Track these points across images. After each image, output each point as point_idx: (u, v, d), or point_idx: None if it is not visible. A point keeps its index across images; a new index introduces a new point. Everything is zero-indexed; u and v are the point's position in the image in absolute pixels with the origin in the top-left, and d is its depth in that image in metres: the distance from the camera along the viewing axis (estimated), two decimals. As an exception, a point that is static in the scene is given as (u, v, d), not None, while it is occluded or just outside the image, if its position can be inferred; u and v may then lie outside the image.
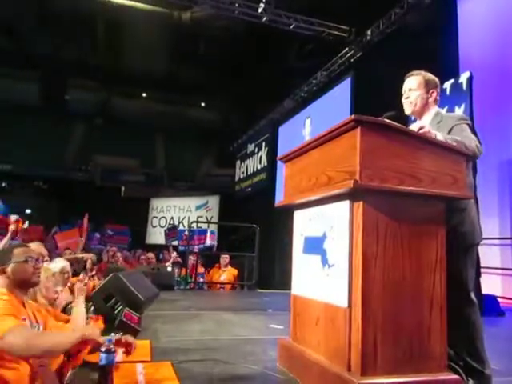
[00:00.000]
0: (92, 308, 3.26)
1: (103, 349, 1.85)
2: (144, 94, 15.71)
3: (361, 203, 1.76)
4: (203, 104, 16.12)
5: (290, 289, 2.45)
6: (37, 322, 2.03)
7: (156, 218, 16.73)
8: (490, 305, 4.82)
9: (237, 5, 8.76)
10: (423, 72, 2.30)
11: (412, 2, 7.47)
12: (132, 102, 15.57)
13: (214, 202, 15.98)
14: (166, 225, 15.60)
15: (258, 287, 7.44)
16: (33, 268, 2.05)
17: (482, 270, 4.99)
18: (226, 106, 15.12)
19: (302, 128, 10.63)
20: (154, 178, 16.86)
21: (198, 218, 14.77)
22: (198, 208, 16.22)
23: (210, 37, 11.81)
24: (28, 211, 13.05)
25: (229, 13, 9.00)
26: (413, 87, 2.27)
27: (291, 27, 9.16)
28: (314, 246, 2.13)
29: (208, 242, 8.69)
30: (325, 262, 2.01)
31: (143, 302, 3.08)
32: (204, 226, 10.27)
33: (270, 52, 11.27)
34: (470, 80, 5.36)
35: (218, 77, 13.16)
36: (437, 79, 2.32)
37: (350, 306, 1.77)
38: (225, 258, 7.54)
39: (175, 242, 9.28)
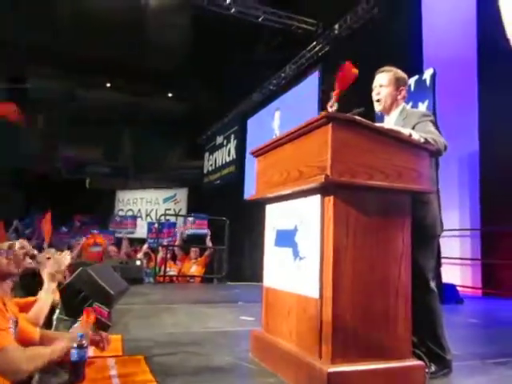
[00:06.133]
0: (59, 305, 3.20)
1: (75, 344, 1.83)
2: (108, 84, 15.29)
3: (331, 197, 1.81)
4: (170, 95, 15.86)
5: (259, 281, 2.49)
6: (15, 317, 2.00)
7: (122, 210, 16.43)
8: (450, 293, 5.03)
9: (205, -6, 8.66)
10: (394, 69, 2.36)
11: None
12: (96, 92, 15.11)
13: (182, 194, 15.85)
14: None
15: (228, 280, 7.48)
16: (6, 259, 2.01)
17: (442, 260, 5.21)
18: (194, 97, 14.94)
19: (272, 120, 10.69)
20: (119, 170, 16.53)
21: (165, 210, 14.62)
22: (165, 200, 16.05)
23: (178, 26, 11.61)
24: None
25: (197, 2, 8.89)
26: (384, 83, 2.32)
27: (259, 19, 9.15)
28: (286, 238, 2.18)
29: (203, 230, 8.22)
30: (296, 254, 2.06)
31: (113, 296, 3.05)
32: (172, 218, 10.17)
33: (238, 44, 11.20)
34: (433, 76, 5.54)
35: (185, 68, 12.98)
36: (406, 76, 2.39)
37: (321, 296, 1.83)
38: (195, 251, 7.57)
39: (133, 235, 9.13)
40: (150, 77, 13.77)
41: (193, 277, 7.47)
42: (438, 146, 2.04)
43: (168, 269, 7.47)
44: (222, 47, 11.49)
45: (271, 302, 2.32)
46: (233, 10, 8.92)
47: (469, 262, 6.19)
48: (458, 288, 5.46)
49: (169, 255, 7.94)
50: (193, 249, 7.75)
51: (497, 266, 5.79)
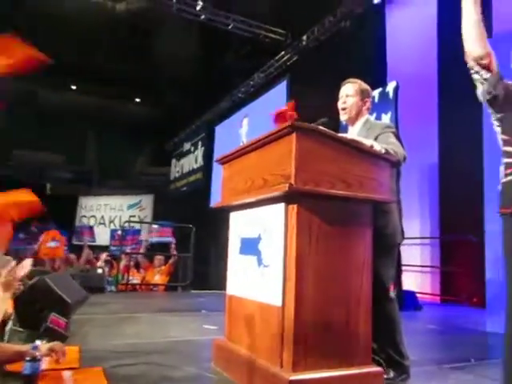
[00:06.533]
0: (13, 316, 3.05)
1: (28, 357, 1.76)
2: (74, 87, 14.90)
3: (295, 206, 1.83)
4: (138, 100, 15.63)
5: (224, 289, 2.47)
6: None
7: (85, 217, 15.96)
8: (409, 300, 5.18)
9: (175, 0, 8.61)
10: (359, 81, 2.43)
11: (344, 11, 7.82)
12: (61, 95, 14.69)
13: (147, 201, 15.55)
14: (95, 224, 14.99)
15: (193, 288, 7.38)
16: None
17: (403, 267, 5.35)
18: (162, 103, 14.79)
19: (239, 127, 10.71)
20: (83, 175, 16.07)
21: (130, 217, 14.31)
22: (130, 207, 15.71)
23: (147, 31, 11.49)
24: None
25: (166, 8, 8.84)
26: (350, 93, 2.37)
27: (229, 27, 9.19)
28: (250, 246, 2.17)
29: (167, 237, 8.12)
30: (260, 262, 2.06)
31: (70, 306, 2.95)
32: (137, 225, 9.98)
33: (207, 51, 11.22)
34: (396, 89, 5.73)
35: (154, 73, 12.86)
36: (370, 88, 2.46)
37: (283, 304, 1.83)
38: (159, 259, 7.44)
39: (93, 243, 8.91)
40: (117, 81, 13.54)
41: (156, 285, 7.33)
42: (398, 156, 2.10)
43: (131, 277, 7.31)
44: (191, 54, 11.47)
45: (234, 310, 2.31)
46: (202, 16, 8.92)
47: (428, 269, 6.39)
48: (418, 295, 5.61)
49: (132, 263, 7.77)
50: (157, 257, 7.62)
51: (455, 273, 6.00)
